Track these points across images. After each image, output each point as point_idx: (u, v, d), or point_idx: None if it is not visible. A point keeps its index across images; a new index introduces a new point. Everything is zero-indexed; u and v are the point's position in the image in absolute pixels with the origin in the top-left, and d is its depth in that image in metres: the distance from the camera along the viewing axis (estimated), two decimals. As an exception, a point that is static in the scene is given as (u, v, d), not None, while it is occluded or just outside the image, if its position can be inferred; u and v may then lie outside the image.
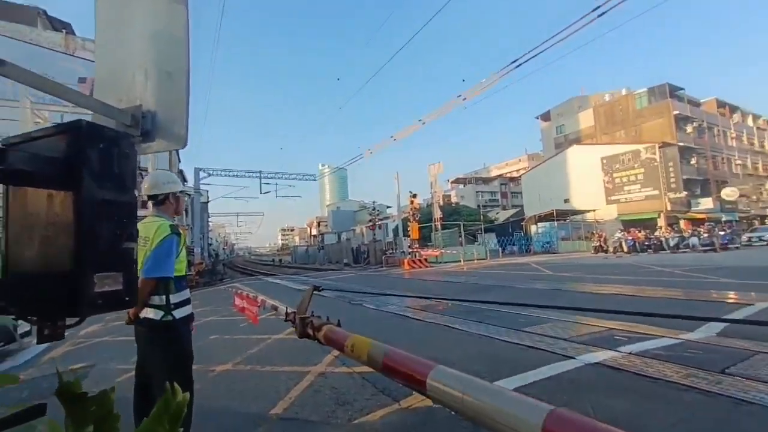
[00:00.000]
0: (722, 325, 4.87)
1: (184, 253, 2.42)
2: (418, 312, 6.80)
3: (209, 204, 39.26)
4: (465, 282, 12.48)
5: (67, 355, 5.39)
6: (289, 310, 2.53)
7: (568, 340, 4.47)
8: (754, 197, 41.25)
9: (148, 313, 2.23)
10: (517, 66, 12.39)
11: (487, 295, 8.76)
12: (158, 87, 1.33)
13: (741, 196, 37.89)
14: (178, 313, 2.30)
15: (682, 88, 40.22)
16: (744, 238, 25.67)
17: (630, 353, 3.82)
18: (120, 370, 4.46)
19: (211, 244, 46.91)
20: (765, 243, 24.98)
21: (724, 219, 33.20)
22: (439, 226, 25.97)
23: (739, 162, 43.81)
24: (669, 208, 33.70)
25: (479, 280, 12.69)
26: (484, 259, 24.81)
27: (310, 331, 1.99)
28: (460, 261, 22.72)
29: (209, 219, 45.08)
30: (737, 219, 36.53)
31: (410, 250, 22.75)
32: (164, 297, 2.25)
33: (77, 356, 5.29)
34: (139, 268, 2.28)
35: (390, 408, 2.98)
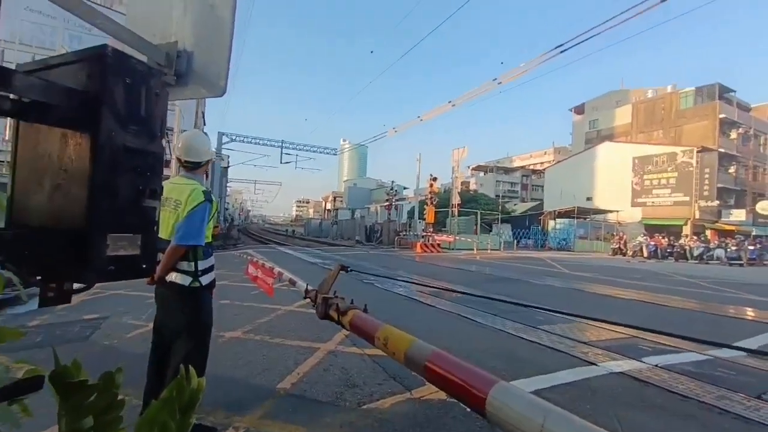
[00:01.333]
0: (755, 344, 4.61)
1: (213, 219, 2.35)
2: (430, 298, 6.69)
3: (229, 169, 39.66)
4: (477, 271, 12.30)
5: (82, 304, 5.50)
6: (310, 288, 2.41)
7: (589, 344, 4.28)
8: (791, 214, 39.10)
9: (175, 277, 2.17)
10: (562, 51, 11.67)
11: (500, 288, 8.57)
12: (198, 23, 1.14)
13: (776, 211, 35.93)
14: (205, 280, 2.25)
15: (733, 90, 37.72)
16: (773, 255, 24.52)
17: (656, 366, 3.61)
18: (132, 326, 4.51)
19: (227, 209, 47.76)
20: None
21: (754, 233, 31.73)
22: (456, 213, 25.59)
23: (780, 175, 41.39)
24: (697, 216, 32.33)
25: (492, 270, 12.48)
26: (497, 249, 24.47)
27: (334, 314, 1.86)
28: (473, 249, 22.46)
29: (228, 184, 45.69)
30: (768, 235, 34.85)
31: (424, 233, 22.56)
32: (193, 263, 2.20)
33: (92, 306, 5.39)
34: (168, 232, 2.18)
35: (401, 396, 2.89)
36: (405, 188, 52.90)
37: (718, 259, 21.31)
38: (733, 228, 32.01)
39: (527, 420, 0.78)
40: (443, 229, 26.94)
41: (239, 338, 4.21)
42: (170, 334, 2.26)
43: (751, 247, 21.78)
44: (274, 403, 2.78)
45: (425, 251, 20.44)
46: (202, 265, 2.23)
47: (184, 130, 14.41)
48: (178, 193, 2.22)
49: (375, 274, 5.76)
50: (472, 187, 62.41)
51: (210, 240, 2.34)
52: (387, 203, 30.03)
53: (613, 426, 2.47)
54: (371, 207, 47.17)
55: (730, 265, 20.14)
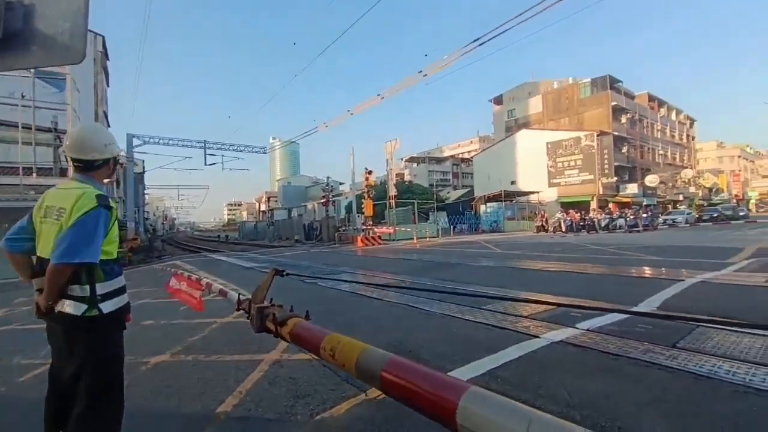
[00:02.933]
0: (661, 299, 5.25)
1: (115, 230, 1.85)
2: (377, 290, 6.60)
3: (145, 175, 35.76)
4: (419, 260, 12.55)
5: (-43, 349, 4.45)
6: (242, 297, 2.12)
7: (530, 317, 4.51)
8: (671, 184, 46.36)
9: (66, 306, 1.67)
10: (480, 44, 12.25)
11: (442, 273, 8.81)
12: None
13: (660, 182, 42.32)
14: (107, 307, 1.75)
15: (620, 81, 43.23)
16: (660, 220, 28.87)
17: (588, 330, 3.90)
18: (26, 366, 3.73)
19: (147, 219, 43.15)
20: (676, 224, 28.43)
21: (645, 203, 37.05)
22: (394, 204, 25.94)
23: (661, 152, 48.70)
24: (601, 192, 36.76)
25: (433, 257, 12.83)
26: (435, 237, 25.35)
27: (271, 326, 1.62)
28: (413, 239, 22.98)
29: (145, 191, 41.19)
30: (656, 203, 40.93)
31: (364, 227, 22.54)
32: (87, 287, 1.70)
33: (-29, 349, 4.39)
34: (51, 248, 1.67)
35: (356, 399, 2.72)
36: (341, 183, 52.39)
37: (620, 227, 24.45)
38: (628, 200, 37.03)
39: (508, 430, 0.65)
40: (382, 221, 27.19)
41: (167, 362, 3.69)
42: (68, 380, 1.75)
43: (644, 215, 25.35)
44: (214, 431, 2.44)
45: (366, 244, 20.43)
46: (103, 288, 1.75)
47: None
48: (62, 199, 1.74)
49: (315, 275, 5.49)
50: (407, 178, 63.95)
51: (114, 256, 1.87)
52: (324, 200, 29.44)
53: (562, 394, 2.57)
54: (308, 205, 45.98)
55: (630, 231, 23.22)
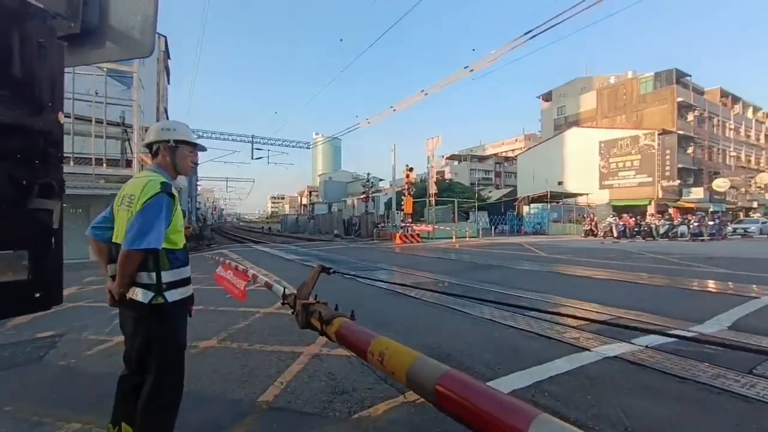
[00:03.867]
0: (732, 317, 4.72)
1: (180, 219, 1.90)
2: (415, 289, 6.52)
3: (198, 167, 38.06)
4: (457, 259, 12.29)
5: (36, 320, 4.97)
6: (288, 292, 2.15)
7: (578, 328, 4.23)
8: (743, 189, 41.81)
9: (136, 293, 1.75)
10: (531, 37, 11.66)
11: (482, 275, 8.54)
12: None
13: (731, 187, 38.30)
14: (171, 296, 1.80)
15: (688, 75, 39.57)
16: (729, 229, 26.09)
17: (647, 347, 3.58)
18: (91, 341, 4.08)
19: (199, 209, 46.00)
20: (748, 234, 25.56)
21: (712, 209, 33.70)
22: (433, 202, 25.63)
23: (733, 154, 44.04)
24: (660, 196, 33.94)
25: (473, 258, 12.50)
26: (475, 237, 24.73)
27: (316, 323, 1.61)
28: (452, 238, 22.59)
29: (198, 182, 43.93)
30: (724, 210, 37.13)
31: (403, 224, 22.47)
32: (155, 274, 1.75)
33: (46, 322, 4.88)
34: (122, 234, 1.74)
35: (394, 401, 2.68)
36: (381, 180, 52.62)
37: (682, 235, 22.40)
38: (692, 205, 33.86)
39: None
40: (421, 219, 26.98)
41: (214, 347, 3.88)
42: (135, 363, 1.85)
43: (711, 223, 23.03)
44: (256, 420, 2.51)
45: (405, 242, 20.36)
46: (169, 276, 1.80)
47: (146, 128, 13.48)
48: (133, 187, 1.83)
49: (354, 271, 5.52)
50: (447, 176, 63.00)
51: (179, 246, 1.90)
52: (364, 195, 29.72)
53: (618, 416, 2.36)
54: (348, 200, 46.68)
55: (693, 240, 21.22)
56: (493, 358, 3.40)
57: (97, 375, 3.24)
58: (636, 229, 23.97)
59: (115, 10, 0.85)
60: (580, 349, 3.57)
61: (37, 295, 0.63)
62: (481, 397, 0.82)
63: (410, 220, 22.65)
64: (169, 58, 28.88)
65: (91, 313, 5.35)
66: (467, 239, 22.80)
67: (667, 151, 34.08)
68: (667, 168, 34.01)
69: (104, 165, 13.70)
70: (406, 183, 22.60)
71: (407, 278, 8.39)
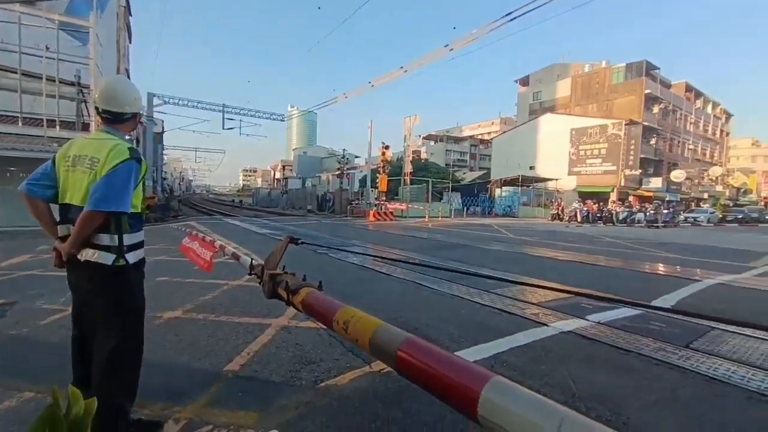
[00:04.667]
0: (677, 297, 5.12)
1: (141, 185, 1.89)
2: (386, 266, 6.62)
3: (164, 135, 36.09)
4: (429, 238, 12.51)
5: (-16, 289, 4.68)
6: (255, 263, 2.12)
7: (539, 305, 4.46)
8: (696, 181, 44.61)
9: (92, 255, 1.72)
10: (511, 19, 11.61)
11: (452, 254, 8.77)
12: None
13: (686, 179, 40.75)
14: (131, 257, 1.82)
15: (658, 68, 40.95)
16: (681, 217, 28.02)
17: (599, 323, 3.84)
18: (45, 311, 3.90)
19: (165, 179, 43.92)
20: (698, 223, 27.62)
21: (667, 198, 35.86)
22: (408, 181, 25.73)
23: (691, 147, 46.62)
24: (622, 184, 35.66)
25: (444, 237, 12.77)
26: (448, 217, 25.21)
27: (283, 293, 1.60)
28: (425, 217, 22.91)
29: (164, 152, 41.71)
30: (678, 199, 39.61)
31: (377, 202, 22.51)
32: (116, 237, 1.75)
33: (-3, 291, 4.60)
34: (81, 196, 1.70)
35: (360, 371, 2.76)
36: (356, 157, 52.05)
37: (639, 222, 23.81)
38: (651, 194, 35.85)
39: (535, 427, 0.61)
40: (396, 197, 27.07)
41: (179, 318, 3.81)
42: (91, 326, 1.82)
43: (666, 211, 24.60)
44: (221, 388, 2.52)
45: (378, 219, 20.47)
46: (129, 239, 1.80)
47: (104, 88, 12.41)
48: (94, 149, 1.76)
49: (326, 246, 5.51)
50: (423, 156, 63.12)
51: (139, 210, 1.90)
52: (339, 172, 29.36)
53: (567, 384, 2.54)
54: (322, 176, 46.02)
55: (649, 227, 22.62)
56: (457, 332, 3.54)
57: (52, 344, 3.12)
58: (598, 215, 25.25)
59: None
60: (539, 324, 3.79)
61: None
62: (439, 361, 0.85)
63: (384, 198, 22.70)
64: (130, 15, 26.61)
65: (45, 282, 5.08)
66: (440, 219, 23.20)
67: (632, 142, 35.61)
68: (631, 157, 35.64)
69: (57, 127, 12.69)
70: (382, 161, 22.48)
71: (378, 255, 8.48)
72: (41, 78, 12.33)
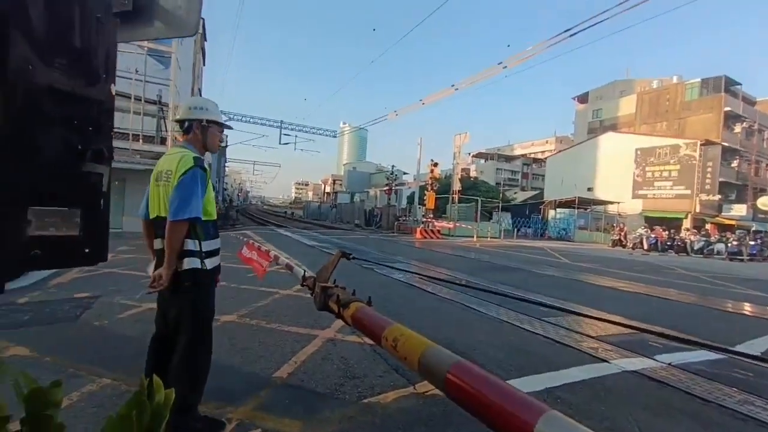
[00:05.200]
0: (766, 344, 4.47)
1: (211, 192, 2.04)
2: (431, 285, 6.51)
3: (227, 149, 39.09)
4: (477, 258, 12.14)
5: (74, 282, 5.31)
6: (308, 274, 2.20)
7: (598, 338, 4.12)
8: (791, 210, 39.03)
9: (182, 263, 1.88)
10: (571, 35, 11.22)
11: (500, 276, 8.42)
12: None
13: (778, 207, 35.81)
14: (209, 263, 1.97)
15: (739, 83, 37.07)
16: (773, 250, 24.51)
17: (670, 365, 3.45)
18: (124, 306, 4.32)
19: (226, 189, 47.34)
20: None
21: (754, 228, 31.64)
22: (457, 199, 25.34)
23: (783, 170, 41.10)
24: (698, 210, 32.18)
25: (492, 258, 12.33)
26: (497, 237, 24.34)
27: (334, 306, 1.64)
28: (473, 236, 22.32)
29: (226, 164, 45.13)
30: (768, 230, 34.84)
31: (424, 219, 22.37)
32: (198, 242, 1.91)
33: (85, 284, 5.20)
34: (165, 207, 1.87)
35: (404, 390, 2.71)
36: (405, 173, 52.42)
37: (718, 253, 21.22)
38: (733, 222, 31.92)
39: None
40: (443, 215, 26.75)
41: (234, 322, 4.03)
42: (168, 326, 1.99)
43: (752, 242, 21.68)
44: (269, 394, 2.61)
45: (425, 237, 20.29)
46: (205, 246, 1.96)
47: (181, 107, 13.87)
48: (168, 163, 1.95)
49: (372, 261, 5.56)
50: (473, 174, 62.04)
51: (213, 217, 2.05)
52: (387, 188, 29.70)
53: (632, 431, 2.30)
54: (371, 191, 46.85)
55: (731, 259, 20.07)
56: (505, 359, 3.37)
57: (128, 337, 3.44)
58: (668, 243, 22.91)
59: (165, -11, 0.89)
60: (597, 359, 3.48)
61: (86, 250, 0.68)
62: (491, 388, 0.82)
63: (432, 215, 22.51)
64: (205, 40, 29.59)
65: (124, 279, 5.65)
66: (488, 239, 22.47)
67: (709, 164, 32.19)
68: (708, 181, 32.15)
69: (140, 141, 14.29)
70: (431, 178, 22.42)
71: (425, 273, 8.38)
72: (130, 97, 14.03)
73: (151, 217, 2.01)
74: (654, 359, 3.53)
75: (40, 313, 4.00)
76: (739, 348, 4.23)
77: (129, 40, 1.04)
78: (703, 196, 32.12)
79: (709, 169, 32.17)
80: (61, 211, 0.63)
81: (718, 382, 3.09)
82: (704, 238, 22.92)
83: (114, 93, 0.74)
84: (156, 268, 1.98)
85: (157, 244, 1.97)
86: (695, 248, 22.00)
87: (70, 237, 0.65)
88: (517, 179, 68.18)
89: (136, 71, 14.28)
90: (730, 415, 2.59)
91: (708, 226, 30.56)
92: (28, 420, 0.53)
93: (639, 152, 35.70)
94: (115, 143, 12.22)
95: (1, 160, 0.56)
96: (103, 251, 0.71)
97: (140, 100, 14.25)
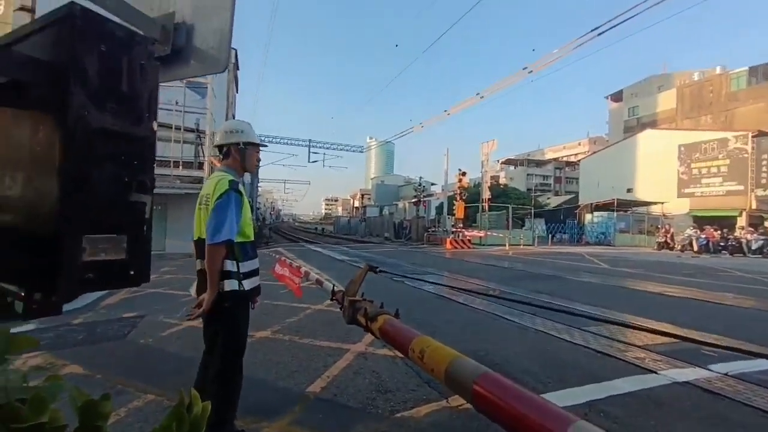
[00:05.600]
0: (842, 352, 4.01)
1: (248, 213, 2.11)
2: (462, 295, 6.39)
3: (259, 170, 40.65)
4: (510, 268, 11.80)
5: (122, 302, 5.67)
6: (337, 289, 2.25)
7: (644, 348, 3.88)
8: None
9: (222, 285, 1.96)
10: (599, 34, 10.93)
11: (535, 284, 8.13)
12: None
13: None
14: (247, 284, 2.02)
15: (791, 68, 34.36)
16: None
17: (726, 374, 3.19)
18: (165, 324, 4.56)
19: (258, 209, 49.07)
20: None
21: (822, 224, 28.74)
22: (486, 208, 24.89)
23: None
24: (754, 207, 29.68)
25: (526, 267, 11.93)
26: (530, 245, 23.57)
27: (362, 319, 1.68)
28: (504, 245, 21.75)
29: (258, 184, 46.92)
30: (839, 226, 31.50)
31: (454, 229, 22.10)
32: (236, 263, 1.98)
33: (131, 305, 5.54)
34: (200, 231, 1.99)
35: (436, 404, 2.68)
36: (433, 184, 52.27)
37: (780, 252, 19.42)
38: (796, 218, 29.13)
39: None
40: (473, 224, 26.30)
41: (268, 338, 4.15)
42: (208, 343, 2.09)
43: (820, 239, 19.68)
44: (304, 408, 2.65)
45: (455, 247, 20.01)
46: (244, 267, 2.02)
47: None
48: (208, 187, 2.07)
49: (402, 274, 5.55)
50: (502, 181, 60.77)
51: (251, 238, 2.11)
52: (415, 199, 29.70)
53: (685, 448, 2.14)
54: (399, 204, 46.96)
55: (795, 259, 18.29)
56: (542, 372, 3.25)
57: (170, 354, 3.63)
58: (722, 244, 21.26)
59: (198, 32, 0.99)
60: (644, 370, 3.28)
61: (132, 272, 0.76)
62: (518, 399, 0.82)
63: (461, 225, 22.21)
64: (238, 69, 31.30)
65: (166, 298, 5.98)
66: (521, 247, 21.81)
67: (764, 156, 29.74)
68: (764, 175, 29.66)
69: (180, 167, 15.23)
70: (459, 187, 22.21)
71: (456, 284, 8.25)
72: (171, 127, 15.05)
73: (194, 239, 2.14)
74: (708, 369, 3.28)
75: (92, 333, 4.30)
76: (809, 357, 3.83)
77: (170, 80, 1.16)
78: (759, 192, 29.62)
79: (765, 162, 29.72)
80: (111, 238, 0.71)
81: (784, 395, 2.82)
82: (763, 237, 21.05)
83: (156, 129, 0.83)
84: (197, 288, 2.09)
85: (198, 264, 2.07)
86: (753, 248, 20.24)
87: (118, 261, 0.73)
88: (550, 184, 66.05)
89: (176, 102, 15.34)
90: (800, 431, 2.35)
91: (767, 224, 28.07)
92: (80, 429, 0.59)
93: (683, 148, 33.63)
94: (158, 170, 13.02)
95: (64, 195, 0.65)
96: (146, 273, 0.78)
97: (180, 129, 15.26)
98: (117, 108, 0.72)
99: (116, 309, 5.32)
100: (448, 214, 25.56)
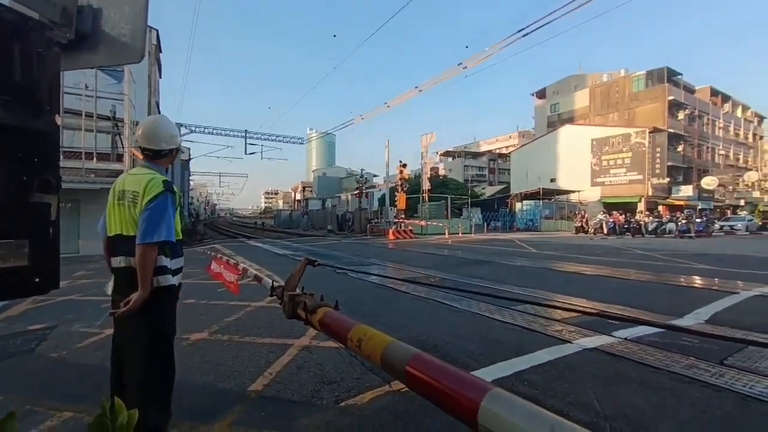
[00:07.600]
0: (711, 311, 4.88)
1: (178, 214, 2.05)
2: (405, 285, 6.62)
3: (190, 162, 37.74)
4: (450, 255, 12.42)
5: (26, 314, 4.99)
6: (276, 284, 2.22)
7: (562, 321, 4.36)
8: (731, 188, 42.59)
9: (157, 280, 1.89)
10: (524, 35, 11.75)
11: (473, 270, 8.68)
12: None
13: (719, 185, 38.98)
14: (176, 280, 2.00)
15: (680, 74, 40.08)
16: (716, 226, 26.62)
17: (626, 339, 3.72)
18: (82, 334, 4.12)
19: (191, 204, 45.65)
20: (734, 231, 26.16)
21: (700, 207, 34.29)
22: (427, 198, 25.77)
23: (722, 152, 44.76)
24: (650, 193, 34.44)
25: (465, 254, 12.65)
26: (468, 233, 24.95)
27: (302, 313, 1.69)
28: (444, 234, 22.77)
29: (190, 177, 43.55)
30: (712, 207, 37.81)
31: (396, 220, 22.59)
32: (169, 259, 1.95)
33: (38, 315, 4.90)
34: (129, 227, 1.87)
35: (380, 390, 2.78)
36: (375, 176, 52.68)
37: (670, 232, 22.81)
38: (682, 203, 34.43)
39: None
40: (415, 214, 27.10)
41: (205, 339, 3.94)
42: (128, 345, 1.94)
43: (698, 220, 23.45)
44: (246, 408, 2.59)
45: (398, 237, 20.49)
46: (174, 264, 1.98)
47: (137, 122, 13.35)
48: (135, 183, 1.93)
49: (346, 266, 5.59)
50: (441, 172, 63.16)
51: (180, 237, 2.08)
52: (357, 191, 29.75)
53: (592, 403, 2.48)
54: (342, 196, 46.70)
55: (681, 237, 21.61)
56: (477, 349, 3.51)
57: (90, 366, 3.30)
58: (625, 226, 24.37)
59: (107, 18, 0.91)
60: (561, 341, 3.70)
61: (37, 280, 0.70)
62: (443, 374, 0.90)
63: (403, 215, 22.77)
64: (160, 51, 28.47)
65: (82, 306, 5.37)
66: (460, 235, 22.99)
67: (658, 149, 34.57)
68: (658, 166, 34.52)
69: (94, 159, 13.56)
70: (400, 179, 22.68)
71: (399, 273, 8.50)
72: (80, 114, 13.30)
73: (109, 234, 1.98)
74: (612, 335, 3.80)
75: (-9, 349, 3.74)
76: (687, 317, 4.61)
77: (74, 68, 1.05)
78: (654, 180, 34.42)
79: (658, 155, 34.53)
80: (8, 243, 0.65)
81: (668, 351, 3.37)
82: (657, 219, 24.55)
83: (59, 123, 0.76)
84: (115, 286, 1.95)
85: (115, 262, 1.94)
86: (649, 229, 23.52)
87: (19, 268, 0.67)
88: (485, 175, 70.17)
89: (86, 87, 13.55)
90: (678, 379, 2.84)
91: (660, 208, 32.78)
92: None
93: (594, 142, 37.80)
94: (67, 163, 11.50)
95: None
96: (54, 279, 0.73)
97: (92, 116, 13.53)
98: (10, 100, 0.65)
99: (19, 321, 4.68)
100: (390, 205, 26.01)
